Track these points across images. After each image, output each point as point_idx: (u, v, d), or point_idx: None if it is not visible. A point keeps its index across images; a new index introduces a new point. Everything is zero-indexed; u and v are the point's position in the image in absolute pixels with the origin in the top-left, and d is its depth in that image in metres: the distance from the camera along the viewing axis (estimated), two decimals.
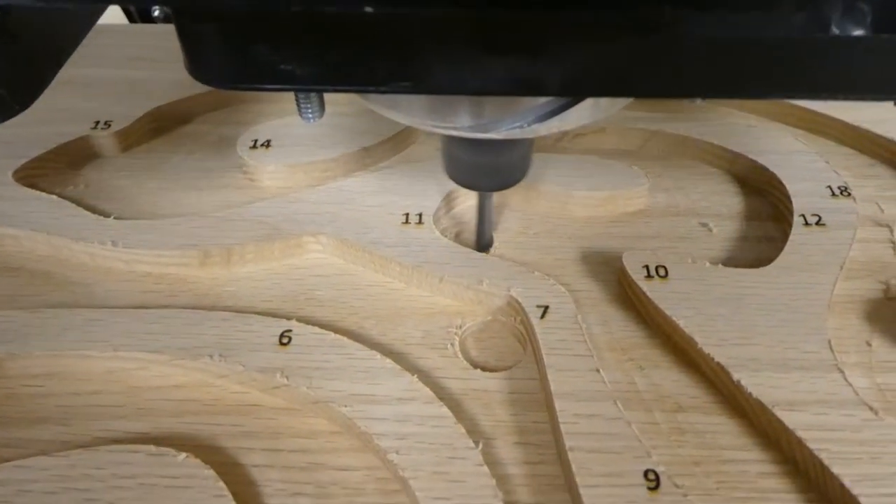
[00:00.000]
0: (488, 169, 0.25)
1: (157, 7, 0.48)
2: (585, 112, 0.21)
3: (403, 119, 0.22)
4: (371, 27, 0.16)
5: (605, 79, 0.17)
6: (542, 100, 0.20)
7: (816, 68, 0.16)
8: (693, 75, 0.17)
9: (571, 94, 0.19)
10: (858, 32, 0.15)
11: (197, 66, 0.18)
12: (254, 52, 0.17)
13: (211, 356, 0.24)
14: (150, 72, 0.38)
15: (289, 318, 0.26)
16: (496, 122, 0.21)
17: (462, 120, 0.21)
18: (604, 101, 0.21)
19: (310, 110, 0.22)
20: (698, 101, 0.22)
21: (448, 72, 0.17)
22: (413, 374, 0.24)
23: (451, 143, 0.25)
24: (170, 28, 0.43)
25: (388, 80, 0.17)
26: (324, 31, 0.16)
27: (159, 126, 0.36)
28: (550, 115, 0.21)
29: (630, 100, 0.23)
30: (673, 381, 0.25)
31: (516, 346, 0.26)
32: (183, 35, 0.18)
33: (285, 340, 0.25)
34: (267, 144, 0.33)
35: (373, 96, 0.22)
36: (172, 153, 0.35)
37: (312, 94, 0.22)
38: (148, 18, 0.49)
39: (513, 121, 0.21)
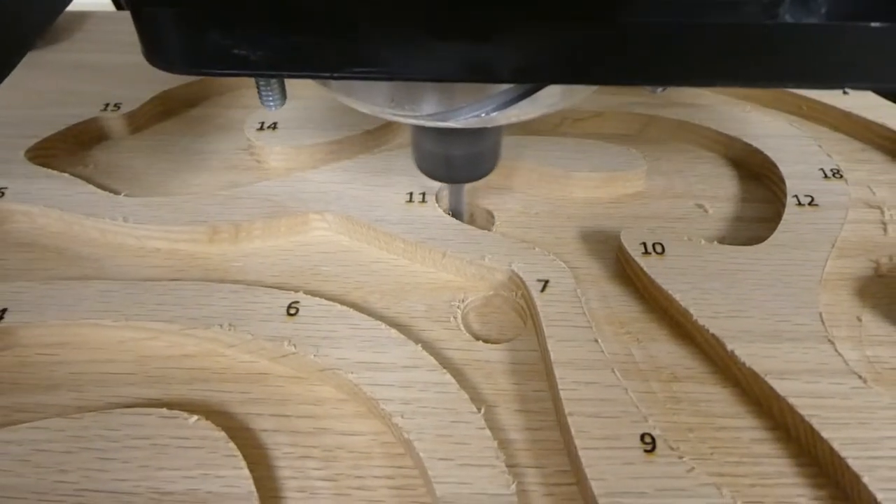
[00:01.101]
0: (456, 160, 0.26)
1: None
2: (545, 101, 0.21)
3: (362, 107, 0.22)
4: (322, 11, 0.17)
5: (554, 66, 0.17)
6: (500, 88, 0.21)
7: (767, 56, 0.17)
8: (640, 63, 0.17)
9: (521, 80, 0.20)
10: (810, 20, 0.16)
11: (152, 51, 0.18)
12: (207, 37, 0.17)
13: (221, 325, 0.25)
14: None
15: (296, 291, 0.26)
16: (455, 111, 0.21)
17: (421, 108, 0.21)
18: (561, 91, 0.21)
19: (270, 98, 0.22)
20: (659, 90, 0.22)
21: (400, 57, 0.17)
22: (418, 345, 0.25)
23: (420, 134, 0.25)
24: None
25: (341, 66, 0.18)
26: (275, 16, 0.17)
27: (168, 109, 0.37)
28: (509, 103, 0.21)
29: (589, 89, 0.24)
30: (669, 352, 0.26)
31: (517, 320, 0.27)
32: (138, 21, 0.18)
33: (293, 311, 0.26)
34: (274, 126, 0.34)
35: (333, 84, 0.22)
36: (181, 135, 0.36)
37: (273, 81, 0.22)
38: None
39: (471, 110, 0.21)
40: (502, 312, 0.28)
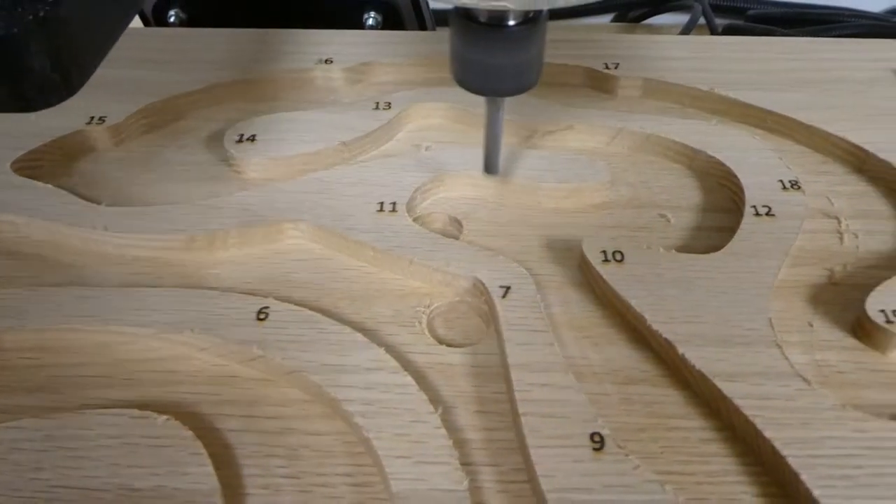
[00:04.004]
0: (499, 69, 0.26)
1: (172, 13, 0.51)
2: None
3: None
4: None
5: None
6: None
7: None
8: None
9: None
10: None
11: None
12: None
13: (193, 330, 0.26)
14: (145, 71, 0.40)
15: (265, 297, 0.27)
16: None
17: None
18: None
19: None
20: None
21: None
22: (381, 348, 0.25)
23: (461, 41, 0.26)
24: (162, 31, 0.45)
25: None
26: None
27: (153, 122, 0.38)
28: None
29: None
30: (625, 356, 0.27)
31: (481, 325, 0.28)
32: None
33: (262, 316, 0.27)
34: (252, 138, 0.35)
35: None
36: (164, 147, 0.37)
37: None
38: (162, 23, 0.51)
39: None
40: (467, 318, 0.29)
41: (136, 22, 0.55)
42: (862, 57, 0.42)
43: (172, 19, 0.51)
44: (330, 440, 0.24)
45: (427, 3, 0.51)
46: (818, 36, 0.49)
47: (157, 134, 0.38)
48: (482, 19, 0.25)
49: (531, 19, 0.25)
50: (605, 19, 0.69)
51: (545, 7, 0.24)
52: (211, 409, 0.25)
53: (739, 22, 0.67)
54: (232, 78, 0.40)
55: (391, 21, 0.51)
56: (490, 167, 0.32)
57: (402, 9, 0.50)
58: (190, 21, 0.51)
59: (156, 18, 0.52)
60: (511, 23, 0.25)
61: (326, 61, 0.41)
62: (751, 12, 0.67)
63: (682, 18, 0.62)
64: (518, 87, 0.27)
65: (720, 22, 0.64)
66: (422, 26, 0.52)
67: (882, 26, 0.63)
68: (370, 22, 0.50)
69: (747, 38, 0.44)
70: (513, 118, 0.36)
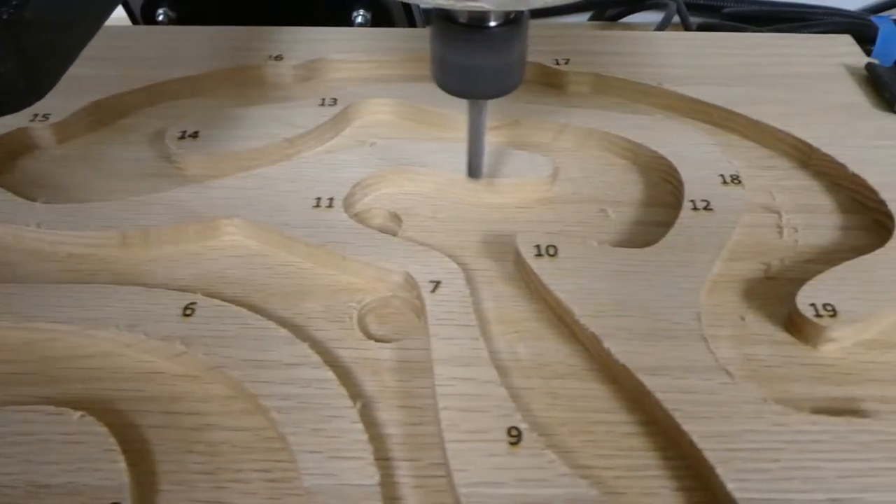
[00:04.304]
0: (481, 71, 0.26)
1: (161, 11, 0.50)
2: None
3: None
4: None
5: None
6: None
7: None
8: None
9: None
10: None
11: None
12: None
13: (117, 326, 0.26)
14: (92, 69, 0.39)
15: (193, 293, 0.27)
16: None
17: None
18: None
19: None
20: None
21: None
22: (305, 343, 0.25)
23: (441, 44, 0.25)
24: (110, 28, 0.45)
25: None
26: None
27: (98, 119, 0.38)
28: None
29: None
30: (553, 351, 0.26)
31: (415, 321, 0.28)
32: None
33: (189, 312, 0.26)
34: (195, 135, 0.35)
35: None
36: (109, 145, 0.37)
37: None
38: (151, 21, 0.51)
39: None
40: (401, 313, 0.28)
41: (126, 20, 0.55)
42: (813, 52, 0.42)
43: (161, 18, 0.50)
44: (250, 436, 0.24)
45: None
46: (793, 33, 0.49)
47: (103, 131, 0.38)
48: (462, 20, 0.25)
49: (513, 20, 0.25)
50: (583, 18, 0.69)
51: (523, 7, 0.24)
52: (132, 406, 0.25)
53: (714, 20, 0.67)
54: (180, 75, 0.39)
55: (381, 19, 0.50)
56: (473, 171, 0.31)
57: (392, 6, 0.50)
58: (179, 20, 0.51)
59: (145, 17, 0.51)
60: (492, 24, 0.25)
61: (276, 58, 0.40)
62: (726, 10, 0.67)
63: (659, 17, 0.62)
64: (501, 89, 0.27)
65: (695, 20, 0.64)
66: (412, 24, 0.51)
67: (857, 24, 0.63)
68: (359, 20, 0.50)
69: (699, 33, 0.44)
70: (459, 114, 0.36)
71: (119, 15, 0.59)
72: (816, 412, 0.23)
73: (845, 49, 0.42)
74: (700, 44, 0.43)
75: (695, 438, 0.22)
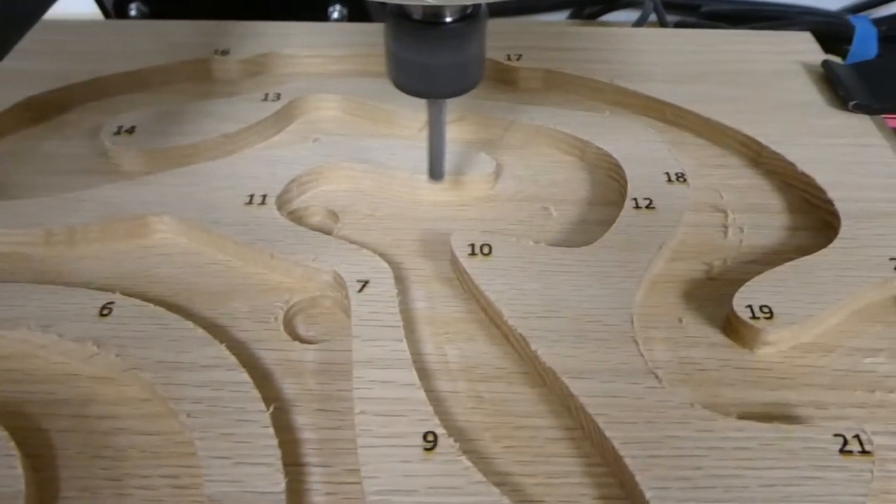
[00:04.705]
0: (439, 70, 0.25)
1: (133, 6, 0.49)
2: None
3: None
4: None
5: None
6: None
7: None
8: None
9: None
10: None
11: None
12: None
13: (30, 327, 0.25)
14: (32, 63, 0.38)
15: (113, 292, 0.26)
16: None
17: None
18: None
19: None
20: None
21: None
22: (222, 344, 0.24)
23: (396, 42, 0.25)
24: (49, 21, 0.44)
25: None
26: None
27: (36, 114, 0.37)
28: None
29: None
30: (482, 353, 0.26)
31: (345, 321, 0.27)
32: None
33: (106, 312, 0.25)
34: (131, 130, 0.34)
35: None
36: (46, 140, 0.36)
37: None
38: (123, 16, 0.50)
39: None
40: (331, 313, 0.28)
41: (98, 15, 0.54)
42: (770, 49, 0.41)
43: (133, 13, 0.49)
44: (160, 441, 0.23)
45: None
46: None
47: (40, 127, 0.37)
48: (417, 17, 0.24)
49: (470, 15, 0.24)
50: (562, 16, 0.68)
51: (474, 1, 0.23)
52: (41, 409, 0.24)
53: (691, 19, 0.66)
54: (125, 69, 0.39)
55: (357, 14, 0.49)
56: (435, 173, 0.30)
57: (368, 2, 0.49)
58: (152, 14, 0.49)
59: (117, 12, 0.50)
60: (448, 19, 0.24)
61: (223, 52, 0.40)
62: (703, 9, 0.66)
63: (636, 15, 0.62)
64: (461, 87, 0.26)
65: (672, 18, 0.63)
66: None
67: (834, 23, 0.62)
68: (335, 15, 0.49)
69: (655, 29, 0.44)
70: (407, 110, 0.35)
71: (91, 10, 0.58)
72: (746, 418, 0.23)
73: (803, 46, 0.41)
74: (657, 40, 0.42)
75: (617, 444, 0.21)
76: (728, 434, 0.22)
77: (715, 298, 0.27)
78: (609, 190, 0.33)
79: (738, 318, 0.25)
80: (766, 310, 0.25)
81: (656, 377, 0.23)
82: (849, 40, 0.54)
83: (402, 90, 0.26)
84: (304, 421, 0.23)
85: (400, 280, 0.27)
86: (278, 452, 0.21)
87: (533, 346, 0.24)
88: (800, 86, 0.38)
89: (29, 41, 0.41)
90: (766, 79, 0.38)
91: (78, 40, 0.42)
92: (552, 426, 0.23)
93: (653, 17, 0.60)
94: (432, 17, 0.24)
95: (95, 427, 0.23)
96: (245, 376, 0.23)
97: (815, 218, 0.31)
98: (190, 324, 0.25)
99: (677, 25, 0.63)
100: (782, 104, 0.36)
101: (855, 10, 0.66)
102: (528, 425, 0.23)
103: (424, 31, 0.24)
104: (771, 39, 0.42)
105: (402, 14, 0.24)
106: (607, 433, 0.22)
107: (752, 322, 0.25)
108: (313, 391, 0.24)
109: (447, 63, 0.25)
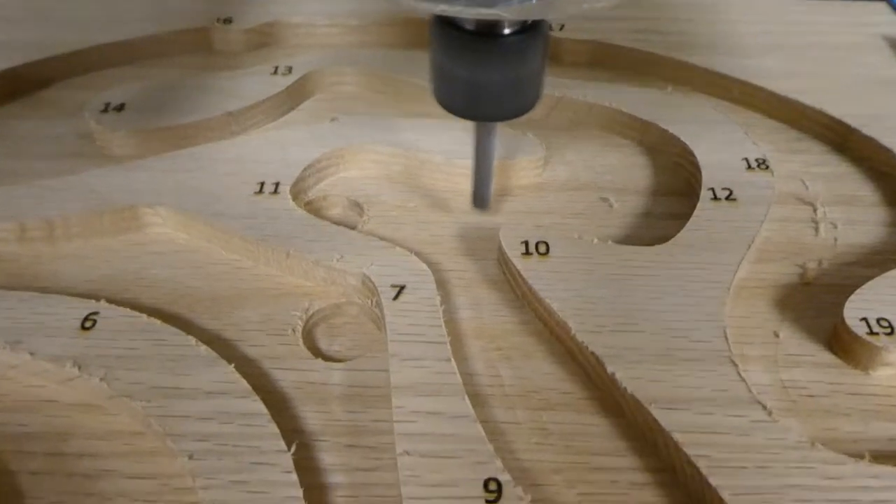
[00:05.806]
0: (490, 88, 0.21)
1: None
2: None
3: None
4: None
5: None
6: None
7: None
8: None
9: None
10: None
11: None
12: None
13: None
14: (10, 32, 0.34)
15: (98, 300, 0.22)
16: None
17: None
18: None
19: None
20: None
21: None
22: (231, 364, 0.20)
23: (445, 56, 0.21)
24: None
25: None
26: None
27: (14, 89, 0.33)
28: None
29: None
30: (544, 373, 0.21)
31: (375, 334, 0.23)
32: None
33: (88, 324, 0.21)
34: (120, 108, 0.29)
35: None
36: (24, 119, 0.32)
37: None
38: None
39: None
40: (357, 324, 0.23)
41: None
42: (843, 20, 0.37)
43: None
44: (154, 485, 0.19)
45: None
46: None
47: (20, 103, 0.33)
48: (469, 27, 0.20)
49: (530, 27, 0.20)
50: None
51: (551, 16, 0.19)
52: (9, 445, 0.20)
53: None
54: (113, 39, 0.34)
55: None
56: (479, 201, 0.26)
57: None
58: None
59: None
60: (506, 31, 0.20)
61: (225, 21, 0.35)
62: None
63: None
64: (515, 108, 0.22)
65: None
66: None
67: None
68: None
69: None
70: None
71: None
72: (871, 456, 0.18)
73: (881, 18, 0.37)
74: (715, 9, 0.38)
75: (725, 496, 0.17)
76: (863, 483, 0.18)
77: (814, 308, 0.23)
78: (675, 178, 0.28)
79: (851, 332, 0.21)
80: (884, 323, 0.21)
81: (764, 408, 0.19)
82: None
83: (447, 109, 0.22)
84: (332, 460, 0.19)
85: (440, 284, 0.23)
86: None
87: (609, 368, 0.20)
88: (882, 61, 0.33)
89: (4, 7, 0.36)
90: (842, 53, 0.34)
91: (60, 6, 0.37)
92: (634, 467, 0.19)
93: None
94: (486, 28, 0.20)
95: (75, 468, 0.19)
96: (259, 405, 0.19)
97: None
98: (191, 339, 0.21)
99: None
100: (864, 81, 0.32)
101: None
102: (605, 466, 0.19)
103: (476, 43, 0.20)
104: (843, 10, 0.37)
105: (450, 23, 0.20)
106: (712, 481, 0.18)
107: (869, 338, 0.21)
108: (342, 422, 0.20)
109: (501, 80, 0.21)
